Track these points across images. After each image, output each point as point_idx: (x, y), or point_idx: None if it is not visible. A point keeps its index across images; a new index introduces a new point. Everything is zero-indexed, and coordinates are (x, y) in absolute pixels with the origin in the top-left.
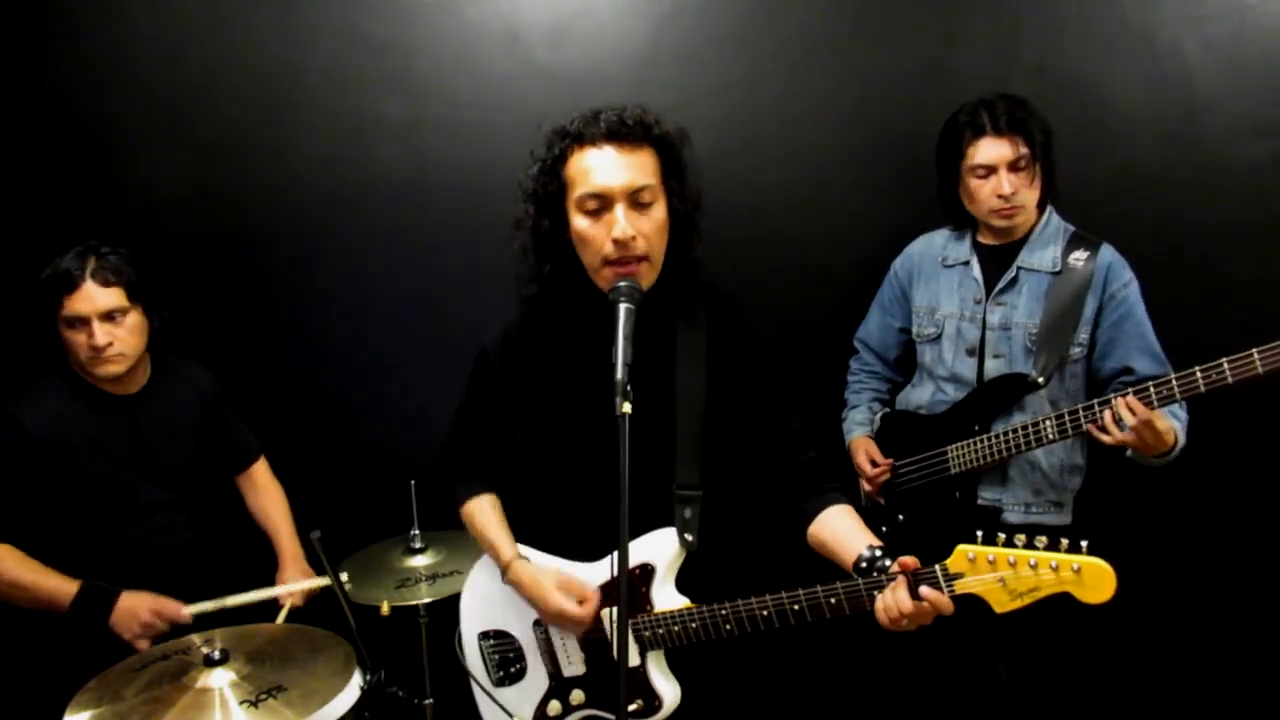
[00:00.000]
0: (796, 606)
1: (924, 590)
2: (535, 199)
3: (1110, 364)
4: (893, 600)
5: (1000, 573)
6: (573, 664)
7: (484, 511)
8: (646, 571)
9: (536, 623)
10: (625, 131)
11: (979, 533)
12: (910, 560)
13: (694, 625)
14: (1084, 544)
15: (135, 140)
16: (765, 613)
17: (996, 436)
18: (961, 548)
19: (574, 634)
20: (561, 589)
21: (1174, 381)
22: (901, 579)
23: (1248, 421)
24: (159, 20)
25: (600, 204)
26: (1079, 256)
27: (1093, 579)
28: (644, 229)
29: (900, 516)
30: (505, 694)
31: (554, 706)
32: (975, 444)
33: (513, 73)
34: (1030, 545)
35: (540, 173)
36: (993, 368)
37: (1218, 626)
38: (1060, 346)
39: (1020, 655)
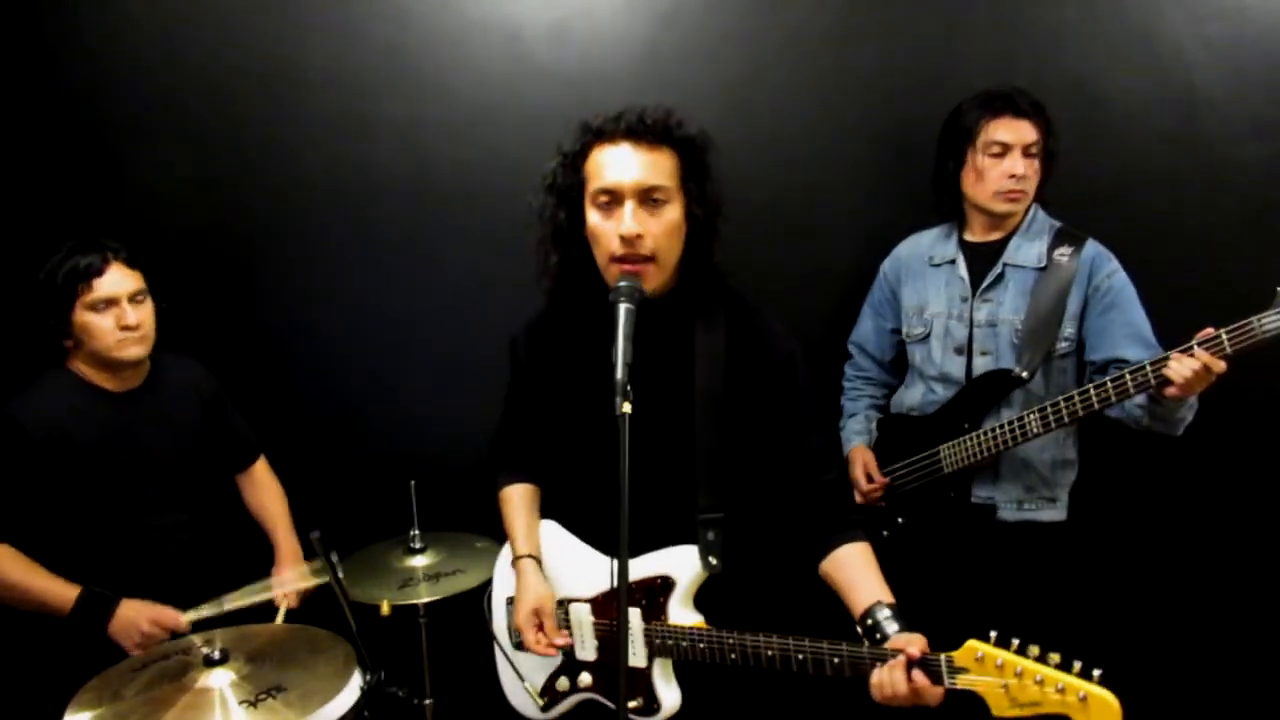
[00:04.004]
0: (800, 656)
1: (915, 674)
2: (554, 191)
3: (1100, 355)
4: (888, 678)
5: (1005, 680)
6: (586, 649)
7: (511, 501)
8: (667, 583)
9: (560, 602)
10: (644, 130)
11: (993, 633)
12: (920, 642)
13: (701, 646)
14: (1096, 672)
15: (135, 139)
16: (769, 653)
17: (985, 433)
18: (971, 644)
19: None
20: (536, 614)
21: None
22: (901, 659)
23: (1241, 415)
24: (159, 20)
25: (611, 199)
26: (1064, 252)
27: (1098, 712)
28: (653, 229)
29: (899, 520)
30: (522, 658)
31: (563, 682)
32: (965, 442)
33: (513, 72)
34: (1043, 658)
35: (561, 165)
36: (980, 365)
37: (1215, 621)
38: (1045, 342)
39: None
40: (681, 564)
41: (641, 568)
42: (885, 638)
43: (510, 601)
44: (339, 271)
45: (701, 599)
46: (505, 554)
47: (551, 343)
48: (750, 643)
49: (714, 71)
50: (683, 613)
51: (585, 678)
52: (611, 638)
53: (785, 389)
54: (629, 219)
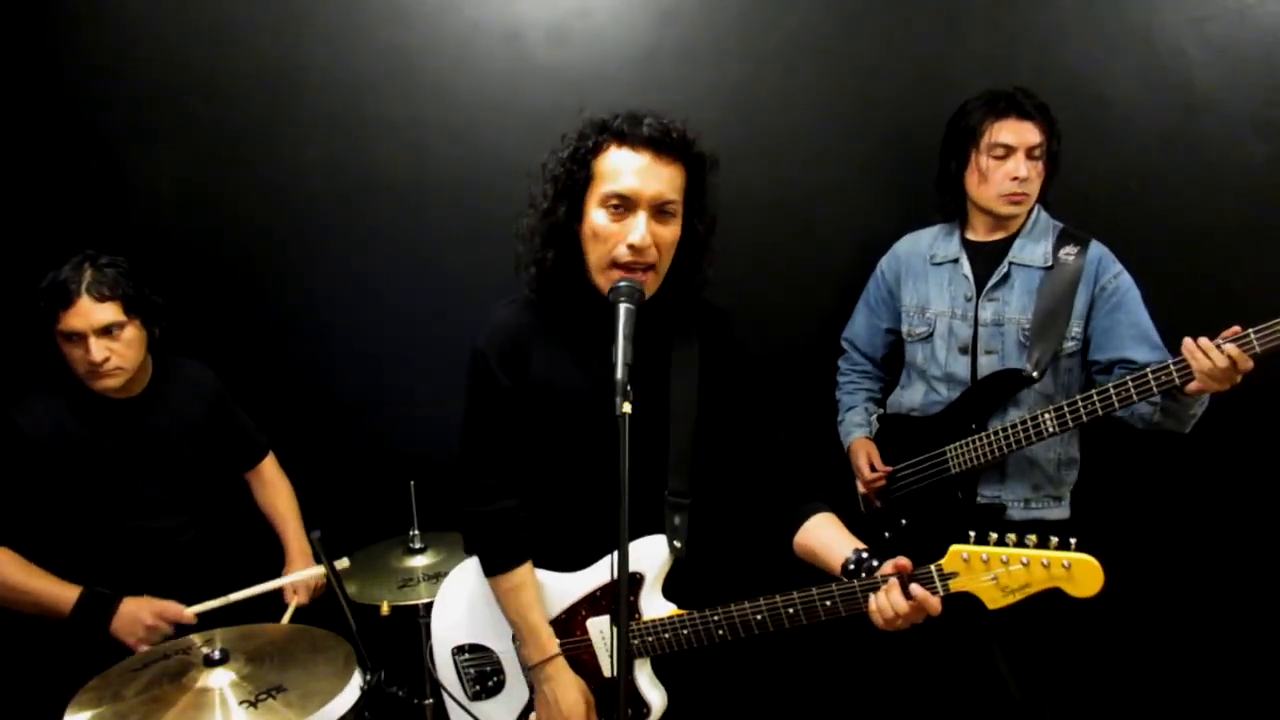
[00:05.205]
0: (791, 610)
1: (913, 588)
2: (557, 183)
3: (1107, 355)
4: (887, 601)
5: (993, 571)
6: None
7: (526, 590)
8: (635, 580)
9: (515, 637)
10: (667, 143)
11: (971, 533)
12: (905, 561)
13: (685, 632)
14: (1073, 541)
15: (135, 140)
16: (759, 617)
17: (996, 433)
18: (955, 548)
19: None
20: (588, 705)
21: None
22: (895, 580)
23: (1245, 413)
24: (159, 20)
25: (624, 205)
26: (1069, 251)
27: (1082, 574)
28: (660, 241)
29: (903, 521)
30: (482, 707)
31: (535, 717)
32: (974, 442)
33: (513, 73)
34: (1021, 543)
35: (569, 158)
36: (986, 364)
37: (1214, 616)
38: (1054, 341)
39: (1017, 644)
40: (648, 554)
41: (605, 571)
42: (871, 572)
43: (461, 650)
44: (339, 271)
45: (670, 589)
46: (448, 598)
47: (529, 351)
48: (738, 613)
49: (714, 71)
50: (656, 604)
51: None
52: (580, 656)
53: (758, 389)
54: (642, 229)
